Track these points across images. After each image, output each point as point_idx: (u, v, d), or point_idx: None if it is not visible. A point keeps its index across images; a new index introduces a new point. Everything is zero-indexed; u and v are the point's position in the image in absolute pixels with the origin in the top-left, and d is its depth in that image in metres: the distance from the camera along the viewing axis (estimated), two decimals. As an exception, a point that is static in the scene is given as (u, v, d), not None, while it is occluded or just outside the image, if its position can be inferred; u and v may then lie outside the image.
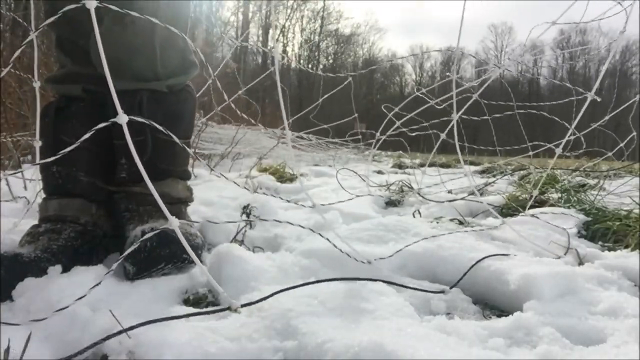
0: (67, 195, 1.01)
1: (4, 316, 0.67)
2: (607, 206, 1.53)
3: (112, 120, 0.60)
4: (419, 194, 1.96)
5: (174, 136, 0.71)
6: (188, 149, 0.95)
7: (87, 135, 0.62)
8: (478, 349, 0.61)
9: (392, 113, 2.00)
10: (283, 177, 3.02)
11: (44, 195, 1.05)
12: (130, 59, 1.02)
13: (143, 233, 0.90)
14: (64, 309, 0.61)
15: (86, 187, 1.02)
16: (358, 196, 1.85)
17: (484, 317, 0.81)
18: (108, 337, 0.57)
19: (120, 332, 0.57)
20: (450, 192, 2.08)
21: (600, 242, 1.24)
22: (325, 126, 3.33)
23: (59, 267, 0.80)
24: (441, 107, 1.74)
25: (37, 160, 1.00)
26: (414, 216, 1.57)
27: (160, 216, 0.99)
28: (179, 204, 1.10)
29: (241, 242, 1.19)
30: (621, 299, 0.77)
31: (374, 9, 77.17)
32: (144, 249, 0.84)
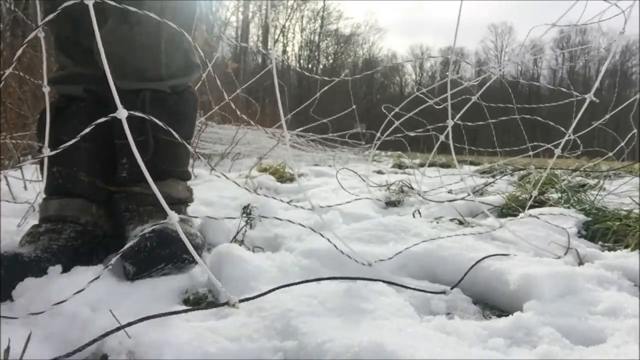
0: (67, 196, 1.01)
1: (4, 316, 0.67)
2: (607, 206, 1.53)
3: (112, 115, 0.60)
4: (419, 194, 1.96)
5: (176, 135, 0.71)
6: (189, 148, 0.95)
7: (86, 130, 0.62)
8: (478, 349, 0.61)
9: (392, 113, 2.00)
10: (283, 177, 3.02)
11: (44, 196, 1.05)
12: (135, 58, 1.02)
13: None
14: (61, 302, 0.61)
15: (87, 187, 1.02)
16: (357, 199, 1.85)
17: (484, 317, 0.81)
18: (107, 334, 0.57)
19: (118, 329, 0.57)
20: (450, 192, 2.07)
21: (600, 242, 1.24)
22: (324, 120, 3.33)
23: (59, 267, 0.80)
24: (440, 107, 1.74)
25: (41, 162, 0.99)
26: (414, 216, 1.57)
27: (160, 216, 0.99)
28: (179, 205, 1.11)
29: (241, 242, 1.19)
30: (621, 299, 0.77)
31: (374, 9, 77.19)
32: (144, 249, 0.84)
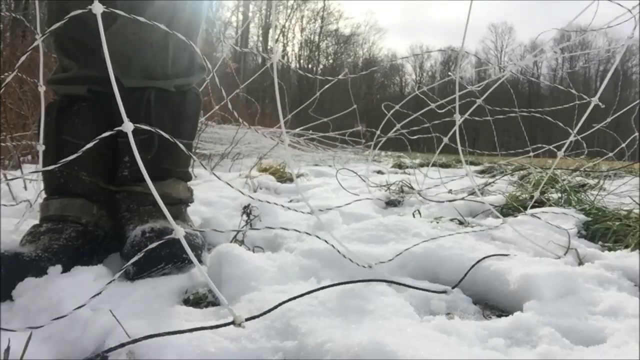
0: (68, 195, 1.01)
1: (4, 316, 0.67)
2: (607, 206, 1.53)
3: (118, 128, 0.60)
4: (419, 194, 1.96)
5: (177, 142, 0.71)
6: (189, 152, 0.95)
7: (91, 145, 0.62)
8: (478, 349, 0.61)
9: (391, 112, 2.00)
10: (283, 177, 3.02)
11: (44, 195, 1.05)
12: (142, 55, 1.03)
13: (143, 233, 0.91)
14: (62, 317, 0.61)
15: (88, 187, 1.02)
16: (358, 200, 1.85)
17: (484, 317, 0.81)
18: (113, 349, 0.57)
19: (123, 345, 0.57)
20: (450, 192, 2.07)
21: (600, 242, 1.24)
22: (325, 119, 3.32)
23: (59, 267, 0.80)
24: (443, 110, 1.74)
25: (39, 162, 0.99)
26: (414, 216, 1.57)
27: (160, 216, 0.99)
28: (180, 205, 1.10)
29: (241, 242, 1.19)
30: (621, 299, 0.77)
31: (374, 9, 77.19)
32: (144, 248, 0.84)
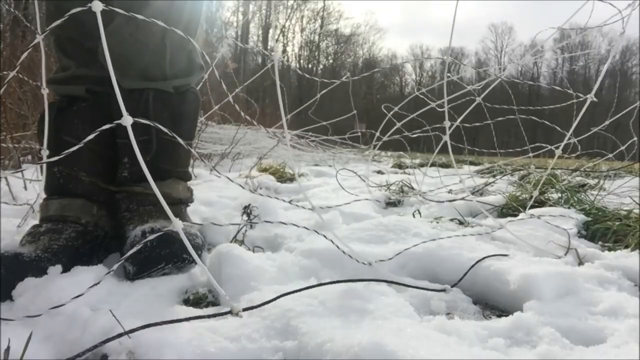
0: (68, 196, 1.01)
1: (4, 316, 0.67)
2: (607, 206, 1.53)
3: (118, 122, 0.60)
4: (419, 194, 1.96)
5: (179, 139, 0.71)
6: (191, 150, 0.95)
7: (91, 137, 0.62)
8: (478, 349, 0.61)
9: (391, 112, 2.00)
10: (283, 177, 3.02)
11: (44, 195, 1.05)
12: (140, 57, 1.02)
13: (143, 233, 0.90)
14: (60, 306, 0.61)
15: (88, 187, 1.02)
16: (357, 200, 1.85)
17: (484, 317, 0.81)
18: (108, 340, 0.57)
19: (120, 335, 0.57)
20: (450, 192, 2.08)
21: (600, 242, 1.24)
22: (324, 123, 3.33)
23: (59, 267, 0.80)
24: (442, 110, 1.74)
25: (41, 162, 0.99)
26: (414, 216, 1.57)
27: (160, 216, 0.99)
28: (180, 205, 1.10)
29: (241, 242, 1.19)
30: (621, 299, 0.77)
31: (374, 9, 77.18)
32: (144, 248, 0.84)
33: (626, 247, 1.14)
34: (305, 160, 4.85)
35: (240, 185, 0.99)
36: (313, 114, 2.88)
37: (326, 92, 2.50)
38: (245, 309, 0.65)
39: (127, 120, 0.60)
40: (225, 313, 0.63)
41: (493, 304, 0.88)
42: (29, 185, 1.87)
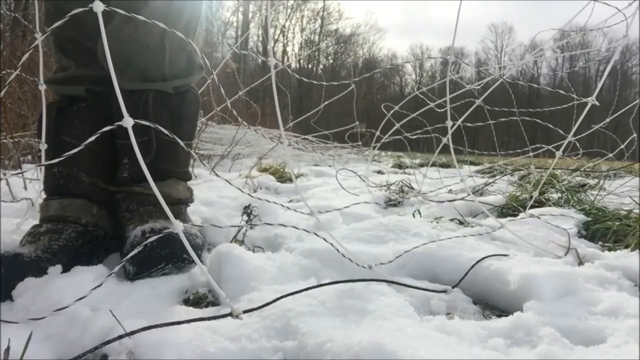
0: (68, 196, 1.01)
1: (4, 316, 0.67)
2: (607, 206, 1.53)
3: (118, 123, 0.60)
4: (419, 194, 1.96)
5: (179, 140, 0.71)
6: (189, 150, 0.95)
7: (92, 139, 0.62)
8: (478, 349, 0.61)
9: (391, 112, 2.00)
10: (283, 177, 3.02)
11: (44, 195, 1.05)
12: (139, 58, 1.02)
13: (143, 233, 0.90)
14: (63, 309, 0.61)
15: (88, 187, 1.02)
16: (357, 203, 1.85)
17: (484, 317, 0.81)
18: (109, 342, 0.57)
19: (121, 337, 0.57)
20: (450, 192, 2.08)
21: (600, 242, 1.24)
22: (326, 132, 3.33)
23: (59, 267, 0.80)
24: (442, 110, 1.74)
25: (41, 162, 0.99)
26: (414, 216, 1.57)
27: (160, 216, 0.99)
28: (180, 205, 1.10)
29: (241, 242, 1.19)
30: (621, 299, 0.77)
31: (374, 9, 77.17)
32: (144, 249, 0.84)
33: (626, 247, 1.14)
34: (305, 160, 4.85)
35: (240, 189, 0.99)
36: (313, 115, 2.88)
37: (326, 93, 2.50)
38: (245, 311, 0.65)
39: (128, 122, 0.60)
40: (226, 315, 0.63)
41: (493, 304, 0.88)
42: (29, 185, 1.87)
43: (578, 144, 2.18)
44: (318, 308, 0.71)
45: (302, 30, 36.94)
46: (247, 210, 1.39)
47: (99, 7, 0.59)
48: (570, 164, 3.03)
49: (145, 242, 0.68)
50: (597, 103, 1.09)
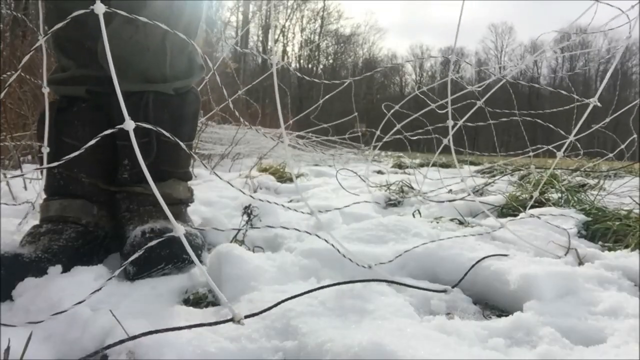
0: (68, 196, 1.01)
1: (4, 316, 0.67)
2: (607, 206, 1.53)
3: (120, 126, 0.60)
4: (419, 194, 1.96)
5: (179, 142, 0.71)
6: (191, 153, 0.95)
7: (92, 142, 0.62)
8: (478, 349, 0.61)
9: (391, 112, 2.00)
10: (283, 177, 3.02)
11: (44, 196, 1.05)
12: (139, 59, 1.02)
13: (143, 233, 0.91)
14: (62, 312, 0.61)
15: (88, 188, 1.02)
16: (357, 202, 1.85)
17: (484, 317, 0.81)
18: (110, 346, 0.57)
19: (123, 341, 0.57)
20: (450, 192, 2.08)
21: (600, 242, 1.24)
22: (325, 125, 3.33)
23: (59, 267, 0.80)
24: (443, 111, 1.74)
25: (41, 163, 0.99)
26: (414, 216, 1.57)
27: (160, 216, 0.99)
28: (180, 205, 1.10)
29: (241, 242, 1.19)
30: (621, 299, 0.77)
31: (374, 9, 77.18)
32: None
33: (626, 247, 1.14)
34: (305, 160, 4.85)
35: (241, 190, 0.99)
36: (313, 111, 2.88)
37: (326, 92, 2.50)
38: (247, 316, 0.65)
39: (129, 124, 0.60)
40: (227, 321, 0.63)
41: (493, 304, 0.88)
42: (29, 185, 1.87)
43: (579, 145, 2.18)
44: (318, 308, 0.71)
45: (302, 30, 36.96)
46: (247, 211, 1.39)
47: (100, 9, 0.59)
48: (570, 164, 3.03)
49: (147, 245, 0.67)
50: (599, 104, 1.09)
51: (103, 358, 0.58)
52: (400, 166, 5.01)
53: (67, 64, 1.08)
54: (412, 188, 2.18)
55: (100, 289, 0.61)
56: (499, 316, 0.80)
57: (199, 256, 0.95)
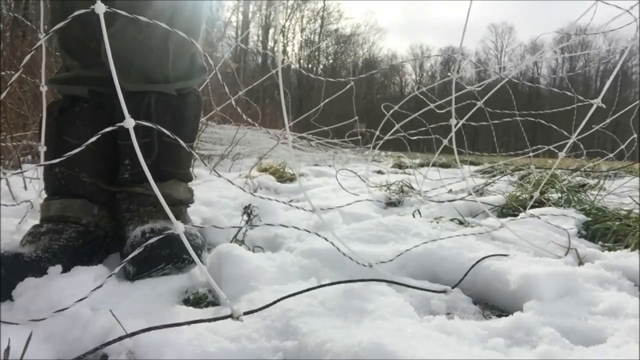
0: (69, 196, 1.01)
1: (4, 316, 0.67)
2: (607, 206, 1.53)
3: (120, 124, 0.60)
4: (419, 194, 1.96)
5: (181, 142, 0.71)
6: (193, 152, 0.95)
7: (93, 139, 0.62)
8: (478, 349, 0.61)
9: (391, 112, 2.00)
10: (283, 177, 3.02)
11: (45, 195, 1.05)
12: (142, 59, 1.02)
13: (143, 233, 0.90)
14: (63, 310, 0.61)
15: (89, 188, 1.02)
16: (358, 201, 1.85)
17: (484, 317, 0.81)
18: (110, 343, 0.57)
19: (122, 338, 0.57)
20: (450, 191, 2.08)
21: (600, 242, 1.24)
22: (325, 128, 3.33)
23: (59, 267, 0.80)
24: (443, 111, 1.74)
25: (40, 162, 0.99)
26: (414, 216, 1.57)
27: (160, 216, 0.99)
28: (180, 205, 1.10)
29: (241, 242, 1.19)
30: (621, 299, 0.77)
31: (374, 9, 77.19)
32: (144, 249, 0.84)
33: (626, 247, 1.14)
34: (305, 160, 4.85)
35: (242, 188, 0.99)
36: (314, 113, 2.88)
37: (327, 93, 2.50)
38: (246, 313, 0.65)
39: (129, 122, 0.60)
40: (226, 317, 0.63)
41: (493, 304, 0.88)
42: (29, 185, 1.87)
43: (581, 145, 2.18)
44: (318, 308, 0.71)
45: (302, 30, 36.96)
46: (248, 210, 1.39)
47: (100, 9, 0.59)
48: (570, 164, 3.03)
49: (146, 243, 0.67)
50: (603, 105, 1.08)
51: (103, 358, 0.58)
52: (400, 166, 5.00)
53: (71, 64, 1.08)
54: (412, 188, 2.18)
55: (100, 286, 0.61)
56: (499, 316, 0.81)
57: (199, 256, 0.95)
